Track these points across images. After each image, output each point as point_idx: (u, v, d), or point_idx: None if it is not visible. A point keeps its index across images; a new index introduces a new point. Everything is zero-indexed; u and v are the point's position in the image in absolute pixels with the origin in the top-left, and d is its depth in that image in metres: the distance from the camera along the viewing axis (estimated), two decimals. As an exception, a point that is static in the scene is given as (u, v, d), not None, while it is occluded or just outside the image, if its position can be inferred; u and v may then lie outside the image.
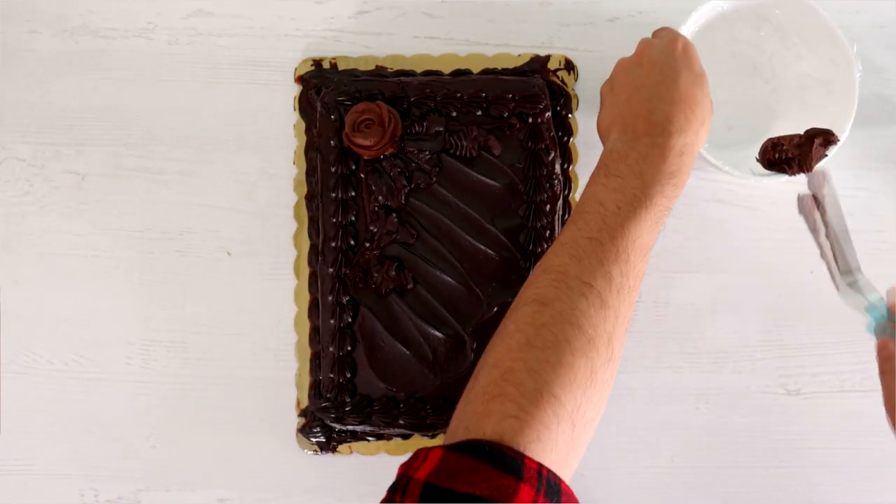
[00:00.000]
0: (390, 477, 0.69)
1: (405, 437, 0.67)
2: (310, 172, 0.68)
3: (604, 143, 0.59)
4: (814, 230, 0.59)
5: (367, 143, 0.64)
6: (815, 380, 0.68)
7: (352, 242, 0.66)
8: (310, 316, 0.68)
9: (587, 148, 0.69)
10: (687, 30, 0.64)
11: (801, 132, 0.64)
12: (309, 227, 0.68)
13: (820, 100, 0.66)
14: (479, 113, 0.66)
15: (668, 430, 0.68)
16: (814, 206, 0.59)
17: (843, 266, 0.59)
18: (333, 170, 0.66)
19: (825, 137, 0.62)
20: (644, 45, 0.60)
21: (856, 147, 0.70)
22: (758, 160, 0.65)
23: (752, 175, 0.64)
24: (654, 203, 0.53)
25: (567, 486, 0.46)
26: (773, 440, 0.67)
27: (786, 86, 0.69)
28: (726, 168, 0.63)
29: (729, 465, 0.68)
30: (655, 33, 0.63)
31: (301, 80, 0.70)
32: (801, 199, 0.60)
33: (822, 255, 0.59)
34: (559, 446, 0.46)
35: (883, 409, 0.68)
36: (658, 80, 0.57)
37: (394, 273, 0.65)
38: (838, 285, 0.59)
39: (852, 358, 0.69)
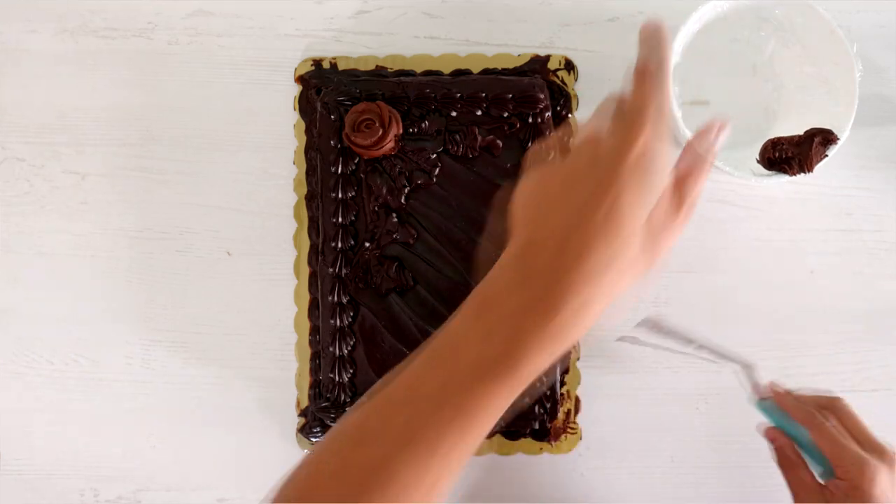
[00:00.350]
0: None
1: None
2: (310, 172, 0.68)
3: (510, 227, 0.47)
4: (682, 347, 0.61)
5: (367, 142, 0.64)
6: (815, 380, 0.68)
7: (352, 242, 0.66)
8: (310, 316, 0.68)
9: (587, 148, 0.69)
10: (687, 30, 0.64)
11: (801, 132, 0.64)
12: (309, 227, 0.68)
13: (820, 100, 0.66)
14: (479, 113, 0.66)
15: (668, 430, 0.68)
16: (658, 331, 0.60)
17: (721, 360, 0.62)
18: (333, 170, 0.66)
19: (825, 137, 0.62)
20: (592, 135, 0.45)
21: (856, 147, 0.70)
22: (758, 161, 0.65)
23: (752, 175, 0.64)
24: (518, 373, 0.43)
25: None
26: (773, 440, 0.67)
27: (786, 86, 0.69)
28: (727, 168, 0.63)
29: (729, 465, 0.68)
30: (625, 87, 0.46)
31: (301, 80, 0.70)
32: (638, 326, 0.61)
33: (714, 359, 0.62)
34: None
35: (883, 409, 0.69)
36: (587, 200, 0.43)
37: (394, 273, 0.65)
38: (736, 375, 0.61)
39: (852, 358, 0.69)
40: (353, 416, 0.46)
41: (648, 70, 0.45)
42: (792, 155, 0.63)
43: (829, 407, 0.59)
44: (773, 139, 0.64)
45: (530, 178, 0.48)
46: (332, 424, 0.66)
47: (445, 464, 0.43)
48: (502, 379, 0.43)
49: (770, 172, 0.64)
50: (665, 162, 0.45)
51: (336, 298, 0.65)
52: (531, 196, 0.47)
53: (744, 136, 0.68)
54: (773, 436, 0.59)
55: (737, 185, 0.69)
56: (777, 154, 0.63)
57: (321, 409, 0.65)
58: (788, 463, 0.58)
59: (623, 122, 0.44)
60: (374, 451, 0.43)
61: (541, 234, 0.44)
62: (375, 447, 0.43)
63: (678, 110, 0.64)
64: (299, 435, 0.68)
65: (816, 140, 0.62)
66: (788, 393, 0.60)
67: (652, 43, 0.46)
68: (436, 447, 0.43)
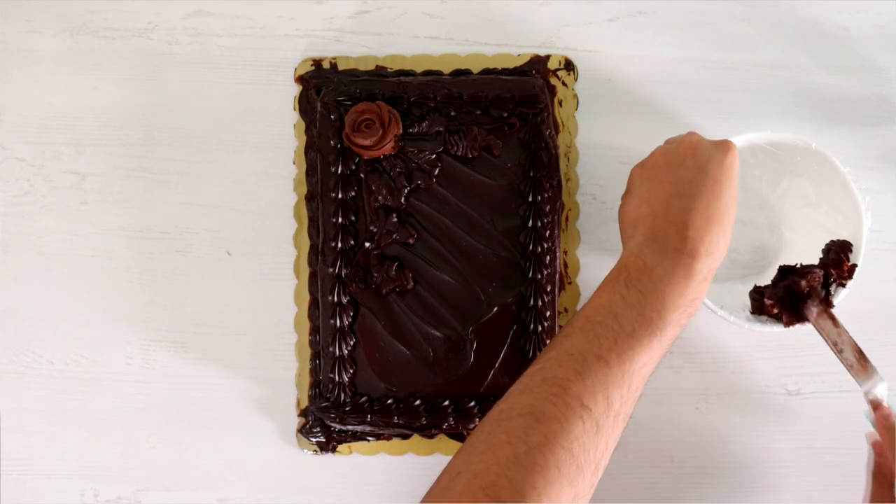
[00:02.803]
0: (390, 477, 0.69)
1: (405, 437, 0.67)
2: (310, 172, 0.68)
3: (624, 235, 0.57)
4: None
5: (366, 142, 0.64)
6: (815, 380, 0.69)
7: (352, 242, 0.66)
8: (310, 316, 0.68)
9: (587, 148, 0.69)
10: None
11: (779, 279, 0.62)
12: (309, 227, 0.68)
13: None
14: (479, 113, 0.66)
15: (668, 430, 0.68)
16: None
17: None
18: (333, 170, 0.65)
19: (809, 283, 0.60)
20: (692, 143, 0.57)
21: (856, 147, 0.70)
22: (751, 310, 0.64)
23: (746, 321, 0.62)
24: (668, 332, 0.51)
25: None
26: (773, 440, 0.67)
27: (792, 227, 0.68)
28: (721, 313, 0.61)
29: (729, 465, 0.68)
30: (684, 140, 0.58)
31: (301, 80, 0.70)
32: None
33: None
34: None
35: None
36: (700, 191, 0.54)
37: (394, 273, 0.65)
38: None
39: (852, 358, 0.69)
40: (520, 401, 0.50)
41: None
42: (778, 311, 0.61)
43: None
44: (753, 291, 0.63)
45: (641, 189, 0.57)
46: (331, 424, 0.66)
47: (617, 425, 0.50)
48: (658, 339, 0.51)
49: (763, 319, 0.62)
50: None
51: (336, 298, 0.65)
52: (645, 201, 0.56)
53: (738, 269, 0.67)
54: (878, 450, 0.59)
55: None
56: (760, 307, 0.62)
57: (321, 409, 0.65)
58: (880, 477, 0.59)
59: (712, 141, 0.57)
60: (555, 428, 0.48)
61: (670, 219, 0.54)
62: (555, 424, 0.48)
63: None
64: (299, 435, 0.68)
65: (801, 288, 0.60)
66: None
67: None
68: (607, 409, 0.49)
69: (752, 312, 0.62)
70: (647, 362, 0.51)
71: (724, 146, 0.56)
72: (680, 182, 0.55)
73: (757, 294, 0.62)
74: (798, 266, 0.61)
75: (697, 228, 0.53)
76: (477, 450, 0.48)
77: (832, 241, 0.62)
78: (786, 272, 0.62)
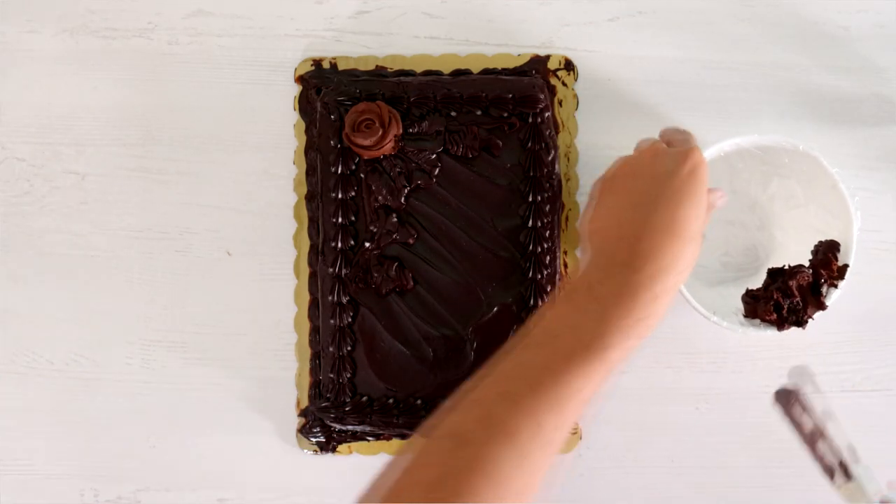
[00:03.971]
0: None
1: (404, 437, 0.67)
2: (310, 172, 0.68)
3: (583, 250, 0.55)
4: (797, 427, 0.55)
5: (366, 142, 0.64)
6: (814, 380, 0.68)
7: (352, 242, 0.66)
8: (310, 316, 0.68)
9: (587, 148, 0.69)
10: None
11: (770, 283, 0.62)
12: (309, 227, 0.68)
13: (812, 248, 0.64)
14: (479, 113, 0.66)
15: (668, 430, 0.68)
16: (794, 401, 0.55)
17: (832, 461, 0.54)
18: (333, 170, 0.66)
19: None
20: (650, 153, 0.55)
21: (856, 147, 0.70)
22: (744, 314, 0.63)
23: (739, 326, 0.62)
24: (608, 355, 0.48)
25: None
26: (773, 440, 0.67)
27: (783, 228, 0.68)
28: (714, 319, 0.61)
29: (729, 465, 0.68)
30: (667, 135, 0.57)
31: (301, 80, 0.70)
32: (777, 394, 0.55)
33: (810, 452, 0.55)
34: None
35: (883, 409, 0.69)
36: (656, 202, 0.51)
37: (393, 273, 0.65)
38: (835, 483, 0.54)
39: (852, 358, 0.69)
40: (446, 421, 0.48)
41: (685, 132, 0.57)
42: (769, 318, 0.61)
43: None
44: (745, 294, 0.62)
45: (599, 200, 0.55)
46: (331, 424, 0.66)
47: (546, 452, 0.47)
48: (595, 363, 0.48)
49: (756, 322, 0.62)
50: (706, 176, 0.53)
51: (336, 298, 0.65)
52: (599, 215, 0.54)
53: (731, 272, 0.67)
54: None
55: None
56: (754, 312, 0.62)
57: (321, 409, 0.65)
58: None
59: (677, 136, 0.55)
60: (478, 452, 0.46)
61: (621, 232, 0.51)
62: (478, 449, 0.46)
63: None
64: (299, 435, 0.68)
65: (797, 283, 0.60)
66: None
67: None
68: (536, 435, 0.46)
69: (745, 316, 0.62)
70: (582, 388, 0.48)
71: (685, 155, 0.53)
72: (636, 193, 0.52)
73: (749, 298, 0.62)
74: (786, 267, 0.61)
75: (651, 243, 0.50)
76: (401, 466, 0.47)
77: (820, 242, 0.62)
78: (775, 274, 0.62)
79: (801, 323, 0.60)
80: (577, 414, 0.49)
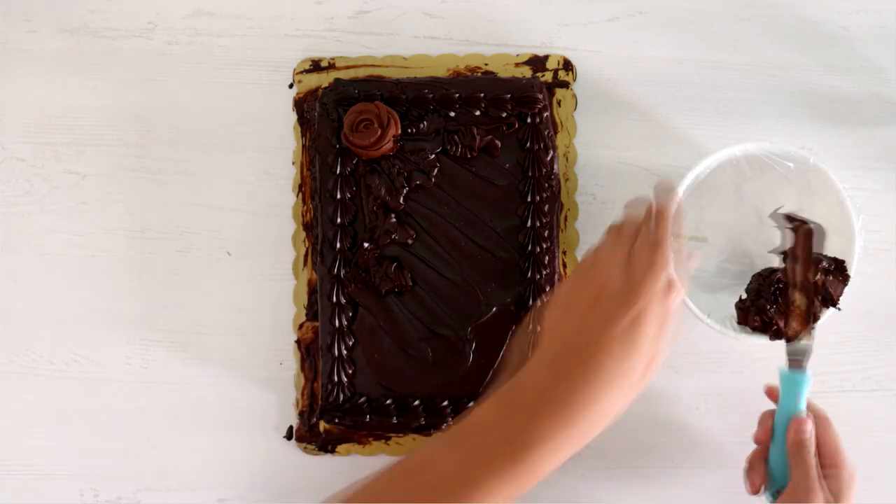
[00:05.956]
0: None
1: (385, 438, 0.68)
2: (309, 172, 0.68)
3: (543, 331, 0.54)
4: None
5: (365, 143, 0.64)
6: (815, 380, 0.68)
7: (350, 243, 0.66)
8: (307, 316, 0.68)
9: (586, 148, 0.69)
10: (697, 171, 0.63)
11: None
12: (308, 228, 0.68)
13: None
14: (478, 113, 0.66)
15: (668, 430, 0.68)
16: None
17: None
18: (332, 170, 0.66)
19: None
20: (594, 287, 0.52)
21: (856, 147, 0.70)
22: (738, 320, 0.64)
23: (732, 331, 0.63)
24: (530, 465, 0.48)
25: None
26: (773, 440, 0.67)
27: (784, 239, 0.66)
28: (708, 321, 0.61)
29: (729, 465, 0.68)
30: (634, 213, 0.55)
31: (296, 103, 0.70)
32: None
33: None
34: None
35: (883, 409, 0.68)
36: (611, 314, 0.50)
37: (392, 273, 0.65)
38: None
39: (852, 358, 0.69)
40: (364, 494, 0.49)
41: (664, 209, 0.54)
42: (759, 323, 0.62)
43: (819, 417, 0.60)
44: (738, 301, 0.63)
45: (561, 291, 0.55)
46: (331, 425, 0.66)
47: None
48: (515, 467, 0.47)
49: (747, 330, 0.63)
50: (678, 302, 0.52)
51: (335, 299, 0.65)
52: (562, 307, 0.53)
53: (728, 279, 0.67)
54: (765, 423, 0.61)
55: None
56: (746, 319, 0.63)
57: (321, 410, 0.65)
58: (753, 462, 0.61)
59: (621, 289, 0.51)
60: None
61: (570, 338, 0.50)
62: None
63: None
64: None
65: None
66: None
67: (665, 195, 0.55)
68: None
69: (738, 323, 0.63)
70: (501, 494, 0.47)
71: (630, 301, 0.50)
72: (572, 332, 0.51)
73: (742, 305, 0.63)
74: (765, 271, 0.63)
75: (584, 390, 0.49)
76: None
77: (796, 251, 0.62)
78: (757, 278, 0.63)
79: (785, 337, 0.61)
80: None
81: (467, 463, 0.48)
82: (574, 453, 0.50)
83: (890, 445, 0.68)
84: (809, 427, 0.58)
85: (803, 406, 0.59)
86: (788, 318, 0.60)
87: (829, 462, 0.58)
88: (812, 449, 0.57)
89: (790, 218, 0.61)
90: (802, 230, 0.60)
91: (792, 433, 0.58)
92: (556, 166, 0.66)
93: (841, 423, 0.67)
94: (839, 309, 0.61)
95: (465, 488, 0.47)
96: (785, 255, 0.61)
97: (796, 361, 0.59)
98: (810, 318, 0.60)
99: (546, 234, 0.65)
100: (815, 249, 0.60)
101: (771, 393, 0.63)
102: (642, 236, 0.53)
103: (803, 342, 0.59)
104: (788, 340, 0.60)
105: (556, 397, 0.48)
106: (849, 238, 0.62)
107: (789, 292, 0.60)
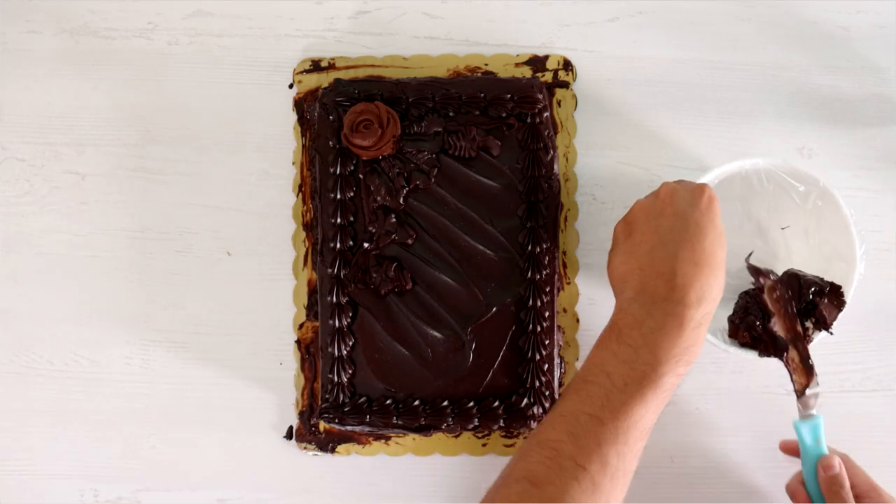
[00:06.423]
0: (390, 477, 0.69)
1: (384, 438, 0.68)
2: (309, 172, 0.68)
3: (616, 291, 0.57)
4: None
5: (365, 143, 0.64)
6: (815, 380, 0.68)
7: (350, 243, 0.66)
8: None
9: (587, 148, 0.69)
10: (708, 178, 0.63)
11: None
12: (308, 228, 0.68)
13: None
14: (478, 113, 0.66)
15: (668, 430, 0.68)
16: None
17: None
18: (332, 170, 0.65)
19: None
20: (668, 192, 0.57)
21: (856, 147, 0.70)
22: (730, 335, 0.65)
23: (723, 343, 0.63)
24: (663, 383, 0.51)
25: None
26: (773, 440, 0.67)
27: (787, 258, 0.67)
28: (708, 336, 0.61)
29: (729, 465, 0.68)
30: (669, 188, 0.58)
31: (296, 103, 0.70)
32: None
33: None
34: None
35: (883, 409, 0.69)
36: (682, 237, 0.54)
37: (392, 273, 0.65)
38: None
39: (852, 358, 0.69)
40: (518, 465, 0.51)
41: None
42: (748, 340, 0.63)
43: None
44: (731, 315, 0.64)
45: (625, 243, 0.57)
46: (331, 425, 0.66)
47: (616, 483, 0.50)
48: (652, 391, 0.51)
49: (739, 346, 0.63)
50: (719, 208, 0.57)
51: (335, 299, 0.65)
52: (629, 255, 0.56)
53: (727, 293, 0.67)
54: (798, 494, 0.61)
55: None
56: (736, 333, 0.63)
57: (321, 410, 0.65)
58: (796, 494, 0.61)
59: (686, 185, 0.58)
60: (551, 491, 0.48)
61: (656, 269, 0.54)
62: (551, 487, 0.49)
63: None
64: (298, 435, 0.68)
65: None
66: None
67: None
68: (603, 468, 0.49)
69: (729, 336, 0.64)
70: (643, 415, 0.51)
71: (699, 190, 0.56)
72: (661, 232, 0.55)
73: (733, 319, 0.64)
74: (752, 290, 0.63)
75: (685, 275, 0.53)
76: None
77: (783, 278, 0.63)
78: (744, 296, 0.63)
79: (796, 393, 0.61)
80: (641, 442, 0.52)
81: (606, 405, 0.50)
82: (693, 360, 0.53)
83: (890, 445, 0.68)
84: (837, 462, 0.58)
85: (825, 448, 0.60)
86: (791, 376, 0.61)
87: (868, 498, 0.58)
88: (846, 483, 0.58)
89: (756, 271, 0.63)
90: (767, 286, 0.62)
91: (822, 473, 0.59)
92: (555, 166, 0.66)
93: (841, 423, 0.67)
94: (832, 333, 0.62)
95: (611, 422, 0.50)
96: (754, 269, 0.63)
97: (808, 408, 0.60)
98: (811, 368, 0.61)
99: (546, 234, 0.65)
100: (793, 292, 0.61)
101: (786, 447, 0.64)
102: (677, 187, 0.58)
103: (811, 391, 0.60)
104: (799, 396, 0.61)
105: (663, 326, 0.52)
106: (850, 264, 0.63)
107: (787, 354, 0.61)
